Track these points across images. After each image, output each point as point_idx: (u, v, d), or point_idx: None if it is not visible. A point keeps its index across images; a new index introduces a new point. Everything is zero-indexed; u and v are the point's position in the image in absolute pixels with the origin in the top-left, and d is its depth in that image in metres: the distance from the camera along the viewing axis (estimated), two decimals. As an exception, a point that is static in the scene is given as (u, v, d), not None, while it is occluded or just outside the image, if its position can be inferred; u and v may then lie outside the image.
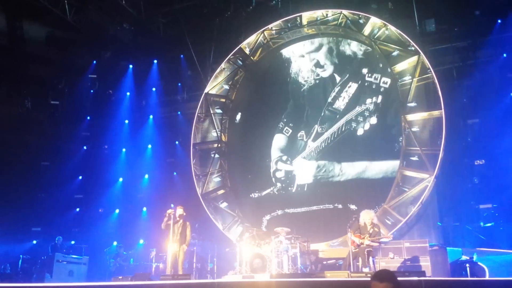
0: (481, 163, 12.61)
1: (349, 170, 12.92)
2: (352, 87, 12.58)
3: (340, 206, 12.45)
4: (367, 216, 10.09)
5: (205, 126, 15.69)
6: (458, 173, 12.64)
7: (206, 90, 15.48)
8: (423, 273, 7.79)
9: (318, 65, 13.43)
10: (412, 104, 12.81)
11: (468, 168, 12.70)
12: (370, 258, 9.57)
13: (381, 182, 12.43)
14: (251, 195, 14.74)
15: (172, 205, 11.32)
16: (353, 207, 12.64)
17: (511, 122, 12.22)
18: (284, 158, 13.83)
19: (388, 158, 12.64)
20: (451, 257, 10.29)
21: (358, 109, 12.37)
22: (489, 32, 13.16)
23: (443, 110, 12.08)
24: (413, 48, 12.85)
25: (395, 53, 13.32)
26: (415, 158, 12.47)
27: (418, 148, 12.28)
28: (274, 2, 14.84)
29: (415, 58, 12.82)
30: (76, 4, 15.08)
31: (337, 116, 13.18)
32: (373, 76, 12.78)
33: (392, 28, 13.20)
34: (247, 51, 15.43)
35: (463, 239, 12.14)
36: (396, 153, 12.52)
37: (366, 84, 12.76)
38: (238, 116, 15.57)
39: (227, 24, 15.66)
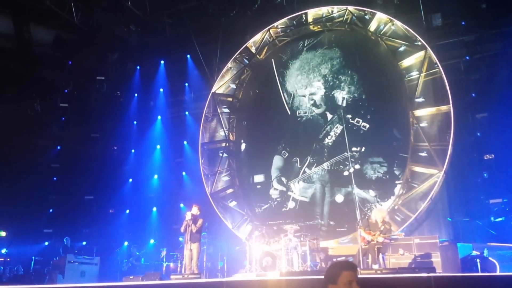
0: (490, 157, 12.48)
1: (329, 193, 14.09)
2: (339, 128, 14.12)
3: (322, 222, 13.74)
4: (379, 214, 10.11)
5: (212, 126, 15.75)
6: (468, 168, 12.55)
7: (213, 90, 15.54)
8: (433, 269, 7.80)
9: (314, 104, 14.67)
10: (420, 100, 12.80)
11: (477, 162, 12.57)
12: (380, 255, 9.56)
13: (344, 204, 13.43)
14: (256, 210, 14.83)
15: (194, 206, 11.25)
16: (332, 223, 13.56)
17: (520, 115, 12.12)
18: (282, 179, 14.77)
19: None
20: (462, 253, 10.20)
21: (346, 154, 13.78)
22: (496, 25, 13.03)
23: (451, 105, 12.06)
24: (419, 43, 12.83)
25: (401, 49, 13.30)
26: (423, 154, 12.47)
27: (427, 144, 12.28)
28: (279, 0, 14.82)
29: (422, 53, 12.78)
30: (82, 6, 15.19)
31: (325, 151, 14.22)
32: (355, 120, 13.90)
33: (398, 23, 13.18)
34: (253, 49, 15.47)
35: (474, 234, 12.03)
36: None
37: (349, 125, 13.99)
38: (243, 147, 15.81)
39: (233, 23, 15.63)
